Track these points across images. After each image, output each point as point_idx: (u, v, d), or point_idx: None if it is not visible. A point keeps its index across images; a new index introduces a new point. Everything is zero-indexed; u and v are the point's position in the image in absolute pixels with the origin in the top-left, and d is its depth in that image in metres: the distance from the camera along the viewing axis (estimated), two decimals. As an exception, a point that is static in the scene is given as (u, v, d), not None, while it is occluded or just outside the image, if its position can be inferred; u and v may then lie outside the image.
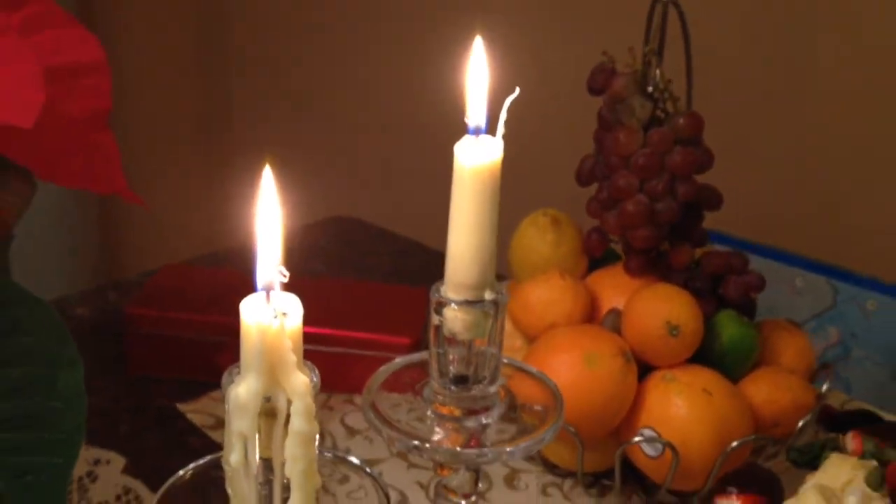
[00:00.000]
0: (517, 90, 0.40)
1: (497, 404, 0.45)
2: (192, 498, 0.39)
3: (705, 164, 0.63)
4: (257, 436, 0.34)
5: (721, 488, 0.54)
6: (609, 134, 0.63)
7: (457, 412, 0.44)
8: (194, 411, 0.73)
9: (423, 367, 0.46)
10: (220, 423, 0.71)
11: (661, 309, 0.62)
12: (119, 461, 0.65)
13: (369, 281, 0.92)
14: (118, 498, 0.63)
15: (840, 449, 0.56)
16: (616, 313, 0.65)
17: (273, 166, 0.36)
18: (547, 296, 0.66)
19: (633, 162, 0.62)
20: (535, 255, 0.70)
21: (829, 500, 0.49)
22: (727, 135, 0.83)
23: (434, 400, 0.45)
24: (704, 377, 0.62)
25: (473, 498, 0.47)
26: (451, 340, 0.43)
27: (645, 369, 0.63)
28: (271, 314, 0.33)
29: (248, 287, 0.35)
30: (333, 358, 0.74)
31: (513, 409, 0.46)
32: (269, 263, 0.34)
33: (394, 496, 0.65)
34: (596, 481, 0.66)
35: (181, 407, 0.73)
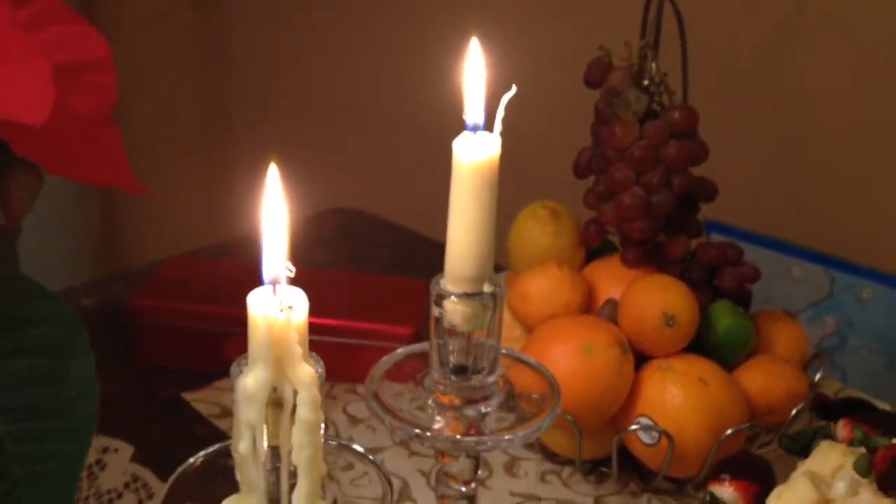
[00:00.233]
0: (514, 88, 0.41)
1: (496, 394, 0.46)
2: (201, 484, 0.40)
3: (700, 156, 0.64)
4: (265, 425, 0.35)
5: (714, 475, 0.55)
6: (606, 127, 0.64)
7: (457, 401, 0.45)
8: (200, 400, 0.74)
9: (423, 357, 0.47)
10: (226, 412, 0.72)
11: (657, 299, 0.63)
12: (127, 449, 0.66)
13: (371, 272, 0.93)
14: (126, 485, 0.64)
15: (831, 437, 0.56)
16: (613, 303, 0.66)
17: (277, 161, 0.37)
18: (545, 286, 0.66)
19: (629, 155, 0.63)
20: (533, 246, 0.70)
21: (819, 487, 0.50)
22: (724, 125, 0.83)
23: (435, 389, 0.45)
24: (700, 366, 0.63)
25: (473, 485, 0.48)
26: (451, 332, 0.44)
27: (641, 359, 0.64)
28: (278, 308, 0.34)
29: (252, 278, 0.35)
30: (336, 348, 0.75)
31: (511, 399, 0.46)
32: (276, 258, 0.35)
33: (396, 483, 0.66)
34: (594, 468, 0.67)
35: (187, 396, 0.74)
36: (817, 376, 0.68)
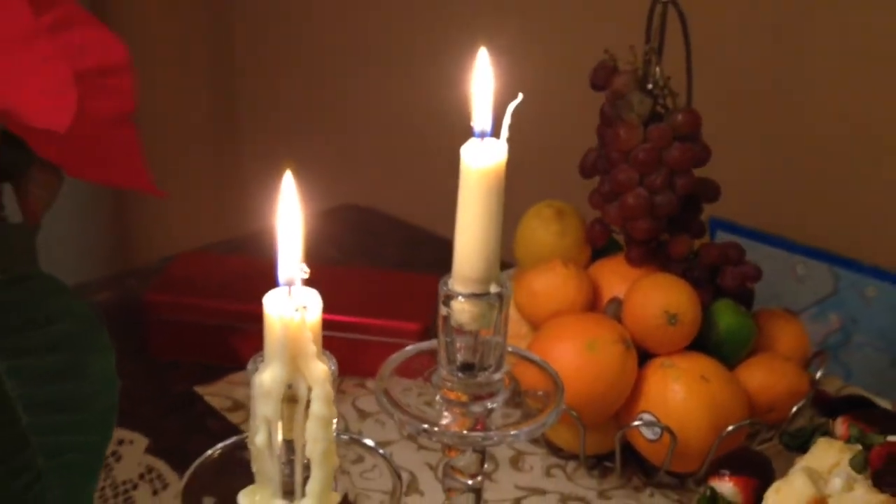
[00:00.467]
0: (520, 96, 0.42)
1: (502, 390, 0.46)
2: (218, 475, 0.41)
3: (703, 158, 0.65)
4: (280, 420, 0.36)
5: (715, 470, 0.56)
6: (610, 129, 0.65)
7: (464, 397, 0.46)
8: (212, 394, 0.75)
9: (432, 354, 0.47)
10: (238, 406, 0.74)
11: (660, 298, 0.64)
12: (142, 441, 0.68)
13: (381, 268, 0.94)
14: (141, 476, 0.65)
15: (831, 434, 0.57)
16: (617, 302, 0.67)
17: (289, 163, 0.38)
18: (551, 284, 0.67)
19: (633, 157, 0.64)
20: (539, 244, 0.71)
21: (816, 482, 0.51)
22: (729, 124, 0.84)
23: (442, 386, 0.46)
24: (702, 364, 0.64)
25: (480, 478, 0.49)
26: (459, 330, 0.45)
27: (645, 356, 0.65)
28: (293, 308, 0.35)
29: (263, 274, 0.36)
30: (346, 343, 0.76)
31: (517, 395, 0.47)
32: (291, 260, 0.36)
33: (404, 476, 0.67)
34: (598, 463, 0.68)
35: (200, 390, 0.75)
36: (818, 374, 0.69)
